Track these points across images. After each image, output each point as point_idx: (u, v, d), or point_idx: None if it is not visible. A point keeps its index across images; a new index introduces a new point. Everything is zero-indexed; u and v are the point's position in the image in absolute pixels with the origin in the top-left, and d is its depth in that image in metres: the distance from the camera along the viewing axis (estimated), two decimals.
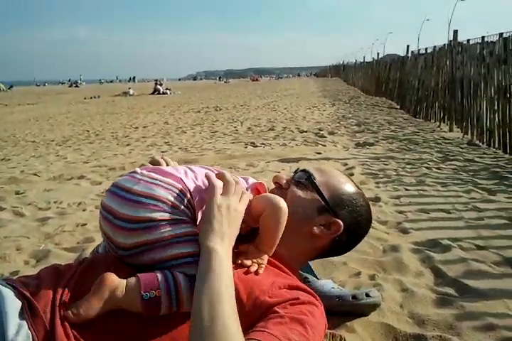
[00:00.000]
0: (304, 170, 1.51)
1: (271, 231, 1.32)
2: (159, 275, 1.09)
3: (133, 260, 1.17)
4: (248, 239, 1.34)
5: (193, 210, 1.20)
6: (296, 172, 1.54)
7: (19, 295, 1.13)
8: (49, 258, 2.38)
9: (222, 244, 1.18)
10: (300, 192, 1.45)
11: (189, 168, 1.29)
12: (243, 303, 1.18)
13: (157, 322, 1.11)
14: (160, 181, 1.17)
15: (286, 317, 1.15)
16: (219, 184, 1.25)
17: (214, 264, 1.13)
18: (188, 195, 1.18)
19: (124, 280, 1.08)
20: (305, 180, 1.47)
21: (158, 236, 1.11)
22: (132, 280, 1.08)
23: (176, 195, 1.15)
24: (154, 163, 1.41)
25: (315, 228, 1.41)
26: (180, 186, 1.17)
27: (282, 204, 1.30)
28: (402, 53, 14.16)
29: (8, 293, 1.12)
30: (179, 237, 1.13)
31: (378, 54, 20.15)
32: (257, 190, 1.37)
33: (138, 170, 1.22)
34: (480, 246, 2.40)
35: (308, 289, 1.27)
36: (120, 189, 1.16)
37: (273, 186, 1.51)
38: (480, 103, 6.46)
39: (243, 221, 1.26)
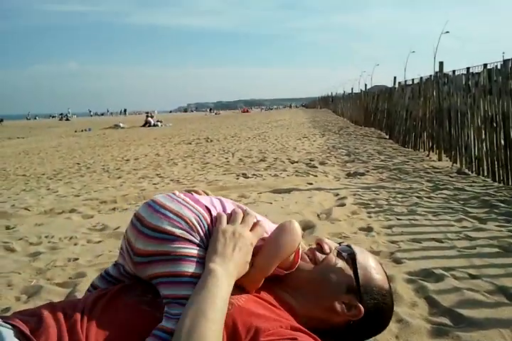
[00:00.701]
0: (348, 246, 1.54)
1: (270, 245, 1.34)
2: None
3: (142, 269, 1.25)
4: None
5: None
6: (340, 244, 1.57)
7: (19, 334, 1.12)
8: (41, 294, 2.35)
9: (222, 266, 1.22)
10: (339, 263, 1.47)
11: (220, 201, 1.40)
12: (240, 336, 1.18)
13: None
14: (190, 205, 1.29)
15: None
16: (225, 215, 1.34)
17: (208, 282, 1.17)
18: (210, 225, 1.29)
19: None
20: (348, 255, 1.49)
21: (171, 249, 1.20)
22: None
23: (199, 220, 1.27)
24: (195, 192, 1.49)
25: (337, 303, 1.42)
26: (206, 215, 1.30)
27: (295, 224, 1.37)
28: (389, 84, 14.44)
29: (8, 334, 1.11)
30: (188, 256, 1.21)
31: (366, 85, 20.46)
32: None
33: (176, 192, 1.36)
34: (473, 275, 2.40)
35: (312, 334, 1.26)
36: (155, 203, 1.29)
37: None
38: (468, 132, 6.56)
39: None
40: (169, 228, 1.22)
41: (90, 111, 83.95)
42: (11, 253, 3.21)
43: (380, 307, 1.46)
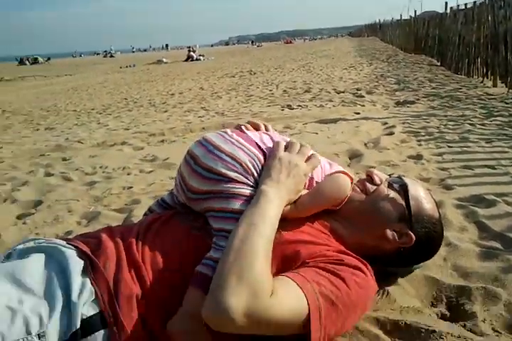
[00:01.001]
0: (399, 177, 1.56)
1: (316, 193, 1.37)
2: (207, 271, 1.17)
3: (195, 204, 1.31)
4: None
5: None
6: (390, 175, 1.59)
7: (81, 254, 1.20)
8: (99, 219, 2.48)
9: (274, 189, 1.25)
10: (391, 193, 1.48)
11: (270, 137, 1.41)
12: (289, 264, 1.22)
13: None
14: (244, 147, 1.30)
15: (324, 268, 1.18)
16: (283, 142, 1.36)
17: (261, 201, 1.21)
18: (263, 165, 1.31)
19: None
20: (399, 186, 1.50)
21: (225, 189, 1.24)
22: (191, 294, 1.15)
23: (253, 162, 1.29)
24: (253, 125, 1.51)
25: (388, 231, 1.44)
26: (260, 156, 1.31)
27: (344, 178, 1.41)
28: (440, 10, 13.56)
29: (71, 254, 1.19)
30: (240, 195, 1.24)
31: (415, 11, 19.31)
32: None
33: (229, 131, 1.36)
34: None
35: (361, 259, 1.29)
36: (209, 142, 1.30)
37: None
38: None
39: None
40: (224, 171, 1.24)
41: (133, 48, 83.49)
42: (69, 182, 3.37)
43: (430, 236, 1.47)
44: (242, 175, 1.26)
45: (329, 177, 1.41)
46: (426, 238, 1.46)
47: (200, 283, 1.14)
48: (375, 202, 1.46)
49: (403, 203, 1.45)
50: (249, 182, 1.27)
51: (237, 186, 1.24)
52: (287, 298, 1.07)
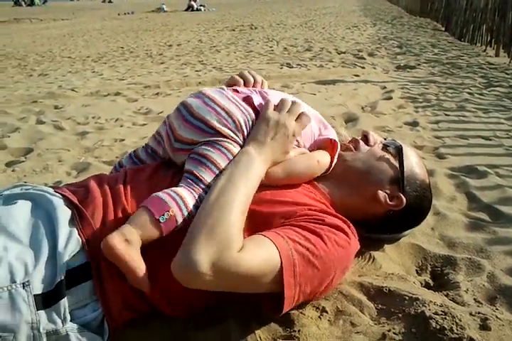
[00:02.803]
0: (394, 140, 1.55)
1: (289, 167, 1.32)
2: (163, 196, 1.13)
3: (179, 154, 1.29)
4: None
5: None
6: (385, 139, 1.59)
7: (69, 203, 1.18)
8: (89, 170, 2.46)
9: (257, 150, 1.24)
10: (385, 155, 1.47)
11: (265, 93, 1.38)
12: (269, 224, 1.21)
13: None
14: (240, 104, 1.28)
15: (301, 226, 1.17)
16: (274, 101, 1.32)
17: (242, 160, 1.21)
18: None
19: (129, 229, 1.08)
20: (394, 147, 1.49)
21: (209, 142, 1.23)
22: (142, 213, 1.11)
23: (246, 121, 1.27)
24: (242, 77, 1.49)
25: (380, 192, 1.42)
26: (253, 115, 1.29)
27: (322, 157, 1.38)
28: None
29: (59, 203, 1.17)
30: (226, 149, 1.23)
31: None
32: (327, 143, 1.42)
33: (224, 87, 1.35)
34: None
35: (344, 219, 1.28)
36: (205, 95, 1.28)
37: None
38: None
39: None
40: (217, 124, 1.23)
41: None
42: (60, 131, 3.33)
43: (420, 200, 1.48)
44: (233, 132, 1.25)
45: (306, 155, 1.37)
46: (416, 203, 1.46)
47: (148, 203, 1.12)
48: (368, 162, 1.46)
49: (397, 165, 1.45)
50: (238, 139, 1.26)
51: (225, 140, 1.23)
52: (257, 252, 1.07)
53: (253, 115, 1.29)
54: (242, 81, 1.47)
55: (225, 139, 1.23)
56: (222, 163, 1.21)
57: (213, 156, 1.20)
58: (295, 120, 1.31)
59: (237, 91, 1.35)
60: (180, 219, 1.12)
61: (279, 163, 1.29)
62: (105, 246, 1.04)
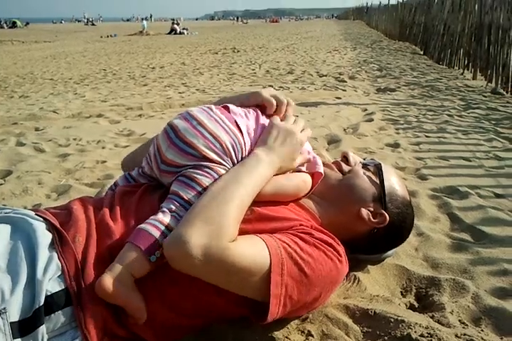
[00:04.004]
0: (373, 159, 1.60)
1: (276, 186, 1.32)
2: (152, 231, 1.12)
3: (166, 176, 1.28)
4: None
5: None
6: (364, 159, 1.62)
7: (50, 226, 1.15)
8: (70, 193, 2.42)
9: (266, 154, 1.27)
10: (366, 173, 1.50)
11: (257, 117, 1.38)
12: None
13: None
14: (227, 126, 1.27)
15: (293, 234, 1.20)
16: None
17: (250, 161, 1.24)
18: (243, 149, 1.28)
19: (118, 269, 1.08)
20: (373, 166, 1.53)
21: (198, 166, 1.22)
22: (131, 251, 1.09)
23: (234, 145, 1.26)
24: (277, 101, 1.42)
25: (363, 210, 1.44)
26: (241, 139, 1.27)
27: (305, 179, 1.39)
28: None
29: (39, 226, 1.14)
30: (213, 171, 1.23)
31: None
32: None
33: (213, 107, 1.33)
34: (498, 194, 2.38)
35: (333, 236, 1.29)
36: (192, 117, 1.27)
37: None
38: (507, 50, 6.20)
39: None
40: (204, 149, 1.22)
41: (100, 17, 77.51)
42: (41, 153, 3.28)
43: (402, 217, 1.49)
44: (220, 156, 1.24)
45: (294, 174, 1.39)
46: (398, 220, 1.48)
47: (134, 238, 1.11)
48: (350, 181, 1.48)
49: (377, 182, 1.47)
50: (226, 164, 1.25)
51: (211, 164, 1.23)
52: (248, 247, 1.10)
53: (240, 138, 1.27)
54: (275, 105, 1.40)
55: (212, 163, 1.22)
56: (208, 184, 1.20)
57: (201, 179, 1.20)
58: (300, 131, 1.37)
59: (226, 109, 1.34)
60: None
61: (284, 171, 1.32)
62: (99, 290, 1.04)
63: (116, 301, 1.06)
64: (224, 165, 1.24)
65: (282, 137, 1.30)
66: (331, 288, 1.27)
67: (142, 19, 27.15)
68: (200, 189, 1.19)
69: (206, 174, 1.21)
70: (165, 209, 1.17)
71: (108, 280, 1.04)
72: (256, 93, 1.40)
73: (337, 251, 1.23)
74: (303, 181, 1.37)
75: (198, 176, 1.20)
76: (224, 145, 1.24)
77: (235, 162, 1.26)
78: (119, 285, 1.05)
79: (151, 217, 1.15)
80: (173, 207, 1.17)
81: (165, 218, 1.14)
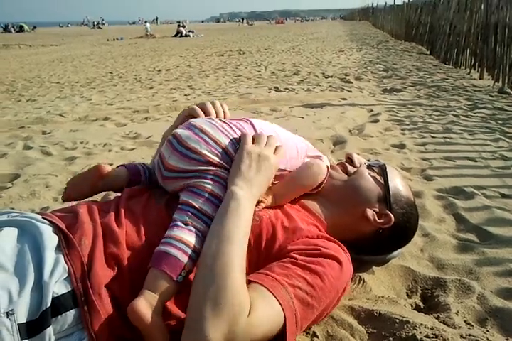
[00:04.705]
0: (377, 160, 1.62)
1: (292, 180, 1.38)
2: (175, 253, 1.11)
3: (169, 182, 1.29)
4: None
5: None
6: (368, 160, 1.63)
7: (56, 229, 1.17)
8: None
9: (245, 189, 1.22)
10: (371, 174, 1.51)
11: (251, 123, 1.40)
12: (270, 247, 1.22)
13: None
14: (228, 133, 1.30)
15: (299, 264, 1.17)
16: (251, 134, 1.33)
17: (230, 206, 1.17)
18: None
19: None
20: (378, 166, 1.54)
21: (203, 170, 1.24)
22: (158, 276, 1.09)
23: (236, 149, 1.28)
24: (204, 109, 1.46)
25: (368, 210, 1.45)
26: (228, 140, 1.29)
27: (318, 164, 1.40)
28: None
29: (46, 229, 1.15)
30: (216, 176, 1.24)
31: None
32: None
33: (213, 118, 1.37)
34: (504, 195, 2.37)
35: (338, 242, 1.30)
36: (195, 126, 1.29)
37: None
38: None
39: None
40: (206, 153, 1.24)
41: (102, 20, 76.69)
42: (48, 156, 3.31)
43: (407, 218, 1.50)
44: (223, 160, 1.25)
45: (304, 164, 1.41)
46: (403, 220, 1.49)
47: (160, 263, 1.10)
48: (355, 182, 1.49)
49: (382, 183, 1.49)
50: (228, 167, 1.26)
51: (214, 168, 1.24)
52: (264, 313, 1.06)
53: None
54: (202, 113, 1.43)
55: (216, 168, 1.24)
56: (219, 192, 1.22)
57: (207, 186, 1.21)
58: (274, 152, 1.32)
59: (224, 120, 1.38)
60: (193, 268, 1.13)
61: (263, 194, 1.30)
62: (133, 314, 1.03)
63: (146, 329, 1.04)
64: (227, 169, 1.26)
65: (257, 164, 1.25)
66: (339, 298, 1.28)
67: (145, 22, 27.13)
68: (207, 195, 1.20)
69: (211, 181, 1.22)
70: (180, 224, 1.17)
71: (144, 306, 1.04)
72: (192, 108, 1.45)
73: (340, 263, 1.23)
74: (317, 166, 1.41)
75: (205, 185, 1.21)
76: (226, 149, 1.26)
77: None
78: (154, 314, 1.04)
79: (172, 235, 1.14)
80: (188, 219, 1.17)
81: (187, 237, 1.14)
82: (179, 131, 1.29)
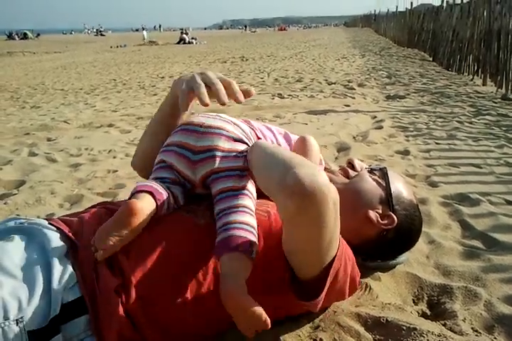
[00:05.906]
0: (378, 164, 1.66)
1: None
2: (238, 233, 1.12)
3: (199, 166, 1.23)
4: None
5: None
6: (369, 166, 1.63)
7: (63, 236, 1.17)
8: (82, 202, 2.45)
9: None
10: (372, 177, 1.52)
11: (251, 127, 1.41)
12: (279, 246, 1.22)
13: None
14: (238, 120, 1.35)
15: None
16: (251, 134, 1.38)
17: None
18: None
19: None
20: (379, 169, 1.55)
21: (226, 147, 1.24)
22: (231, 258, 1.09)
23: (250, 130, 1.34)
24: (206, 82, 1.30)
25: (371, 211, 1.45)
26: (246, 126, 1.36)
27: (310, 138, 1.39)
28: (436, 3, 13.51)
29: (53, 236, 1.15)
30: (239, 152, 1.25)
31: (412, 3, 19.18)
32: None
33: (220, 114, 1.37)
34: (510, 201, 2.36)
35: (346, 244, 1.31)
36: (206, 116, 1.33)
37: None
38: None
39: None
40: (231, 128, 1.28)
41: (101, 27, 76.58)
42: (53, 163, 3.33)
43: (410, 220, 1.50)
44: (244, 136, 1.29)
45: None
46: (407, 222, 1.49)
47: (229, 247, 1.10)
48: (356, 184, 1.49)
49: (384, 185, 1.49)
50: (247, 141, 1.29)
51: (240, 145, 1.26)
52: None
53: (244, 125, 1.36)
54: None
55: (236, 144, 1.26)
56: (251, 188, 1.23)
57: (240, 164, 1.24)
58: None
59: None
60: (257, 241, 1.14)
61: None
62: (231, 300, 1.03)
63: (247, 312, 1.02)
64: (245, 143, 1.28)
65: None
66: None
67: (143, 29, 27.23)
68: (241, 173, 1.22)
69: (239, 159, 1.24)
70: (226, 210, 1.17)
71: (237, 291, 1.03)
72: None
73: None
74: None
75: (235, 165, 1.22)
76: (244, 129, 1.32)
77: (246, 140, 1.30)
78: (244, 296, 1.03)
79: (219, 225, 1.15)
80: (235, 202, 1.18)
81: (242, 218, 1.15)
82: (195, 119, 1.30)
